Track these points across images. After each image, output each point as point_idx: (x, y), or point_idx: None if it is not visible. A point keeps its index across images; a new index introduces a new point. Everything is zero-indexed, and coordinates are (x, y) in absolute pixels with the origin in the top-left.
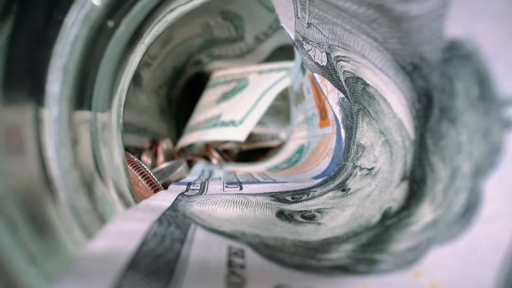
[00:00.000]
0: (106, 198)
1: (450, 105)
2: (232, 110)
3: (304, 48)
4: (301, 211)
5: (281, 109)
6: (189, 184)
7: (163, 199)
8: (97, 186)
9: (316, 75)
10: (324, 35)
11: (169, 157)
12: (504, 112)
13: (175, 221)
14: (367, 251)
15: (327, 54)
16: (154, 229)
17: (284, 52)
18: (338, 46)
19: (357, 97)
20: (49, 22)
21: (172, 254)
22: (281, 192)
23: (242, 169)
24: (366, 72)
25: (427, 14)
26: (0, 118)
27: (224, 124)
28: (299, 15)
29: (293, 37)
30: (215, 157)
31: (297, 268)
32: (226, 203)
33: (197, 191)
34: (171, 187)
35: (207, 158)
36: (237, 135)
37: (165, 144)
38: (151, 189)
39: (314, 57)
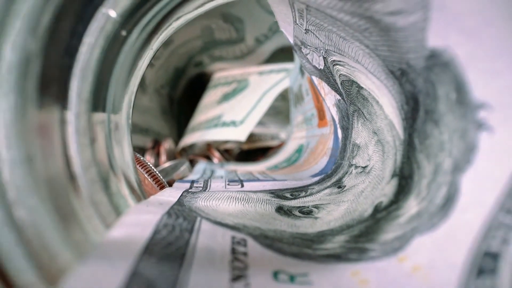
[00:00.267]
0: (120, 193)
1: (433, 108)
2: (232, 110)
3: (302, 52)
4: (299, 207)
5: (281, 109)
6: (192, 182)
7: (170, 195)
8: (112, 182)
9: (314, 77)
10: (321, 41)
11: (171, 156)
12: (477, 115)
13: (183, 214)
14: (358, 241)
15: (324, 58)
16: (164, 220)
17: (284, 54)
18: (334, 51)
19: (352, 99)
20: (73, 35)
21: (181, 242)
22: (280, 190)
23: (243, 168)
24: (360, 76)
25: (411, 26)
26: (34, 119)
27: (225, 124)
28: (297, 22)
29: (292, 41)
30: (216, 156)
31: (294, 256)
32: (229, 199)
33: (201, 188)
34: (175, 184)
35: (208, 158)
36: (238, 135)
37: (167, 144)
38: (157, 186)
39: (312, 60)
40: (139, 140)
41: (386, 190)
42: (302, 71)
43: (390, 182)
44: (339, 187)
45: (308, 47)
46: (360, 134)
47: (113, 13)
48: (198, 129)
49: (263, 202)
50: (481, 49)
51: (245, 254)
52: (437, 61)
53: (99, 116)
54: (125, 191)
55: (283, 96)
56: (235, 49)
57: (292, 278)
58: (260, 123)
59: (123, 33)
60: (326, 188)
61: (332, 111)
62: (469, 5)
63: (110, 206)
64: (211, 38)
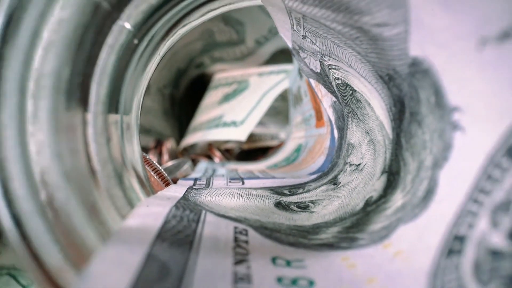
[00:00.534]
0: (132, 187)
1: (417, 110)
2: (233, 111)
3: (300, 56)
4: (296, 202)
5: (280, 110)
6: (195, 179)
7: (175, 191)
8: (125, 177)
9: (311, 80)
10: (317, 46)
11: (173, 156)
12: (452, 117)
13: (189, 207)
14: (349, 231)
15: (321, 62)
16: (173, 212)
17: (283, 55)
18: (329, 56)
19: (347, 101)
20: (94, 45)
21: (189, 231)
22: (279, 187)
23: (244, 167)
24: (353, 80)
25: (395, 37)
26: (63, 121)
27: (226, 124)
28: (295, 28)
29: (290, 46)
30: (218, 156)
31: (291, 244)
32: (231, 195)
33: (204, 185)
34: (179, 182)
35: (209, 157)
36: (239, 135)
37: (169, 144)
38: (163, 183)
39: (309, 64)
40: (142, 140)
41: (376, 185)
42: (300, 73)
43: (380, 178)
44: (335, 184)
45: (306, 51)
46: (354, 134)
47: (128, 25)
48: (199, 129)
49: (263, 198)
50: (452, 60)
51: (246, 242)
52: (418, 69)
53: (114, 117)
54: (136, 186)
55: (283, 97)
56: (236, 50)
57: (288, 263)
58: (260, 123)
59: (135, 41)
60: (322, 185)
61: (328, 112)
62: (441, 22)
63: (125, 199)
64: (211, 40)
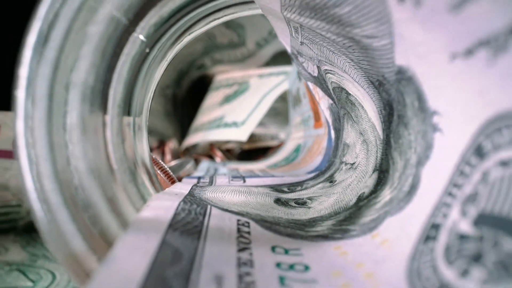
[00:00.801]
0: (144, 184)
1: (403, 113)
2: (234, 112)
3: (299, 60)
4: (295, 199)
5: (280, 110)
6: (199, 178)
7: (181, 188)
8: (138, 175)
9: (309, 83)
10: (314, 52)
11: (175, 156)
12: (433, 120)
13: (195, 202)
14: (343, 224)
15: (318, 67)
16: (181, 206)
17: (283, 57)
18: (326, 62)
19: (343, 103)
20: (114, 55)
21: (197, 222)
22: (279, 185)
23: (244, 167)
24: (348, 84)
25: (383, 47)
26: (89, 123)
27: (227, 125)
28: (293, 35)
29: (289, 51)
30: (219, 156)
31: (289, 235)
32: (233, 192)
33: (207, 183)
34: (184, 180)
35: (211, 157)
36: (239, 135)
37: (171, 144)
38: (169, 181)
39: (307, 68)
40: None
41: (368, 182)
42: (299, 76)
43: (372, 176)
44: (331, 181)
45: (304, 56)
46: (349, 134)
47: (141, 37)
48: (201, 130)
49: (263, 195)
50: (430, 70)
51: (248, 233)
52: (404, 76)
53: (127, 119)
54: (147, 182)
55: (283, 98)
56: (236, 52)
57: (286, 251)
58: (261, 123)
59: (147, 50)
60: (319, 182)
61: (325, 113)
62: (419, 38)
63: (138, 194)
64: (213, 42)
